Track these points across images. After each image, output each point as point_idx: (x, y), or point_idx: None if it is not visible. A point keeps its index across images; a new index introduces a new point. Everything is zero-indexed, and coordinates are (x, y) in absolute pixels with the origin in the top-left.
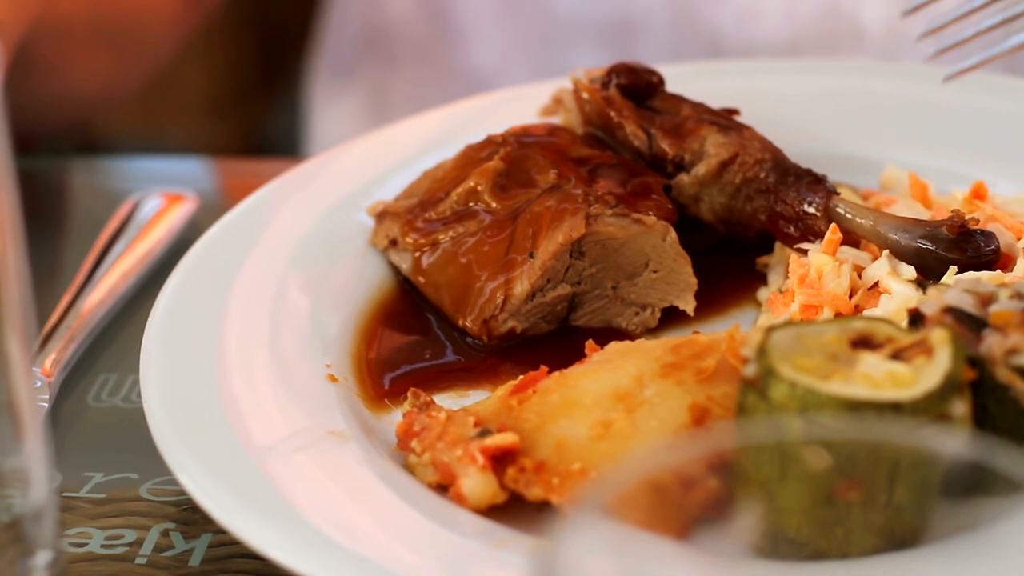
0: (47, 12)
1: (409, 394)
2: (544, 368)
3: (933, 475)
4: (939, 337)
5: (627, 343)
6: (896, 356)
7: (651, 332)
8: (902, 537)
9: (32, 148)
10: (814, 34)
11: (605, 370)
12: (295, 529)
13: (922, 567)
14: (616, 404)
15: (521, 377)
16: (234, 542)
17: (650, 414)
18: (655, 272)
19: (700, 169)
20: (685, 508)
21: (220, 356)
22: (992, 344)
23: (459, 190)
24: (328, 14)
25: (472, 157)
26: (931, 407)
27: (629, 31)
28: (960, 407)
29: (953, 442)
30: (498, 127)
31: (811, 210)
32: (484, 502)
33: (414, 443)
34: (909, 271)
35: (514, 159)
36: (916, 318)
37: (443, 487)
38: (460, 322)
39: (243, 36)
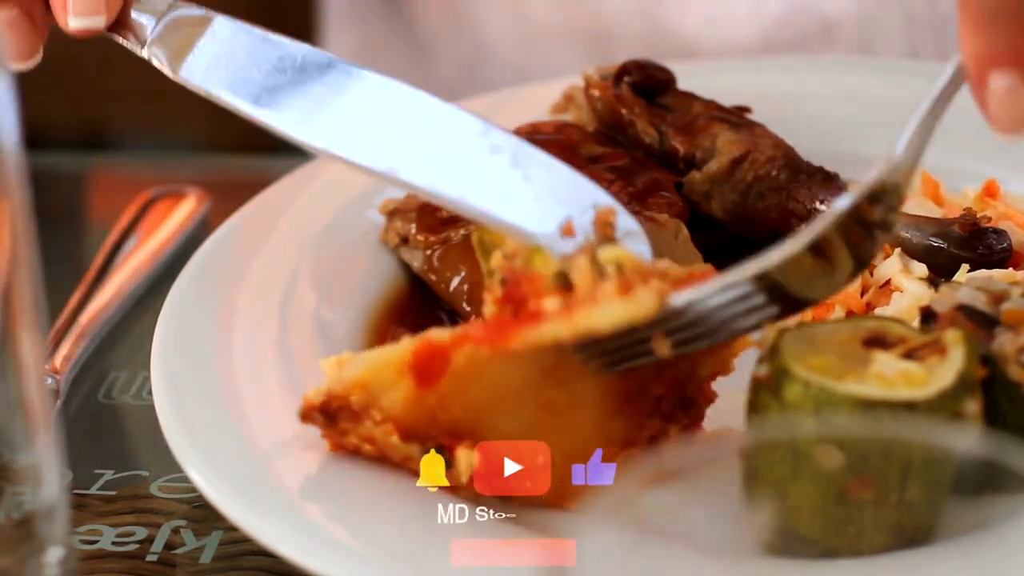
0: None
1: (300, 414)
2: (428, 339)
3: (945, 473)
4: (953, 337)
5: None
6: (909, 355)
7: None
8: (913, 535)
9: (43, 145)
10: (784, 34)
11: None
12: (306, 526)
13: (933, 565)
14: (547, 379)
15: (410, 358)
16: (245, 539)
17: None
18: None
19: (711, 166)
20: None
21: (230, 354)
22: (1004, 342)
23: None
24: (325, 28)
25: None
26: (944, 406)
27: (603, 39)
28: (973, 406)
29: (965, 440)
30: (509, 125)
31: (823, 208)
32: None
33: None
34: (921, 269)
35: None
36: (928, 316)
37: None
38: (472, 320)
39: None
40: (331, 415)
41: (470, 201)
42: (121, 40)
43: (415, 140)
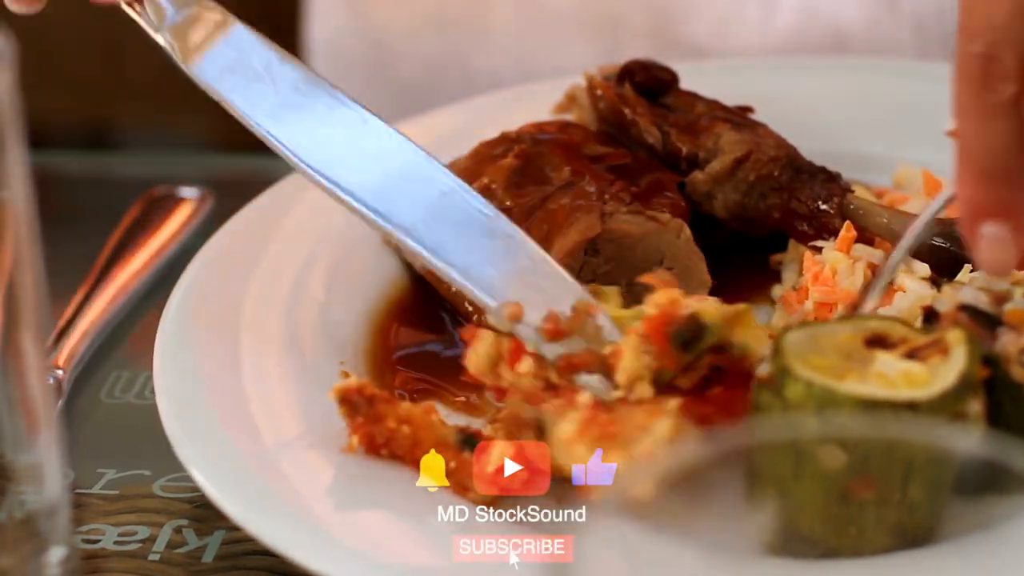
0: None
1: (336, 393)
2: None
3: (947, 473)
4: (955, 337)
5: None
6: (911, 355)
7: None
8: (915, 535)
9: (47, 144)
10: (793, 42)
11: None
12: (308, 526)
13: (935, 565)
14: None
15: None
16: (247, 539)
17: None
18: (669, 269)
19: (714, 166)
20: None
21: (233, 353)
22: (1006, 342)
23: (473, 187)
24: (311, 22)
25: (486, 154)
26: (946, 406)
27: (614, 27)
28: (975, 406)
29: (967, 440)
30: (512, 124)
31: (825, 208)
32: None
33: (383, 452)
34: (923, 269)
35: (528, 156)
36: (930, 316)
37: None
38: (474, 319)
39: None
40: (368, 399)
41: (454, 273)
42: (135, 15)
43: (420, 203)
